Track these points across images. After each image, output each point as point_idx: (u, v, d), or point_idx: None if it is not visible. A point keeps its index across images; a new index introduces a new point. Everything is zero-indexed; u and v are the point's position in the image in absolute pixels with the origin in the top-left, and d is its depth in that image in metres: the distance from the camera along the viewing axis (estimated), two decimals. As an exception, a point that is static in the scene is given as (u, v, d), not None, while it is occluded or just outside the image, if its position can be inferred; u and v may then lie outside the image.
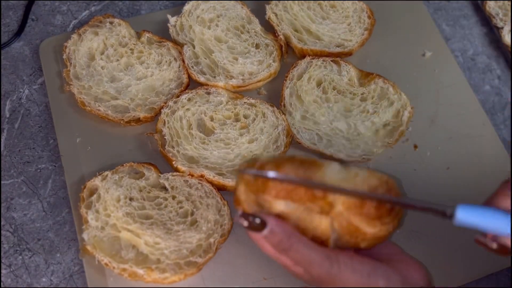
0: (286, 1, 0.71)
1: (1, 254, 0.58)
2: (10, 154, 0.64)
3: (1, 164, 0.63)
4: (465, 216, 0.40)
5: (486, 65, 0.74)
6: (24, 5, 0.75)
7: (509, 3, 0.75)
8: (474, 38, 0.76)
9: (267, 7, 0.71)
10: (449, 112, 0.68)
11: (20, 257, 0.58)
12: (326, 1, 0.72)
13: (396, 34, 0.74)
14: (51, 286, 0.57)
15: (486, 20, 0.77)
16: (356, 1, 0.73)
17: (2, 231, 0.59)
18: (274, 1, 0.71)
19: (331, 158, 0.62)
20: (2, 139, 0.65)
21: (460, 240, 0.57)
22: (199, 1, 0.71)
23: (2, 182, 0.62)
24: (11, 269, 0.57)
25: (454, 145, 0.66)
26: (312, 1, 0.72)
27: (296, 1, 0.71)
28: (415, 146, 0.66)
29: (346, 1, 0.72)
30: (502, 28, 0.74)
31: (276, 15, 0.71)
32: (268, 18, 0.70)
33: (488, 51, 0.76)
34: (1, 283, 0.56)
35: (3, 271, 0.57)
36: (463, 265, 0.59)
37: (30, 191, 0.62)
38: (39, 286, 0.57)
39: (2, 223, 0.60)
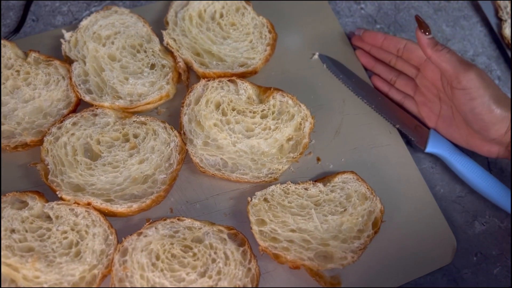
0: (184, 25, 0.69)
1: None
2: None
3: None
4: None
5: (486, 65, 0.74)
6: (24, 6, 0.74)
7: None
8: (474, 39, 0.76)
9: (164, 33, 0.68)
10: (353, 122, 0.68)
11: None
12: (225, 19, 0.70)
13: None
14: None
15: (486, 21, 0.76)
16: (256, 16, 0.72)
17: None
18: (171, 26, 0.69)
19: (237, 181, 0.61)
20: None
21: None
22: (98, 17, 0.68)
23: None
24: None
25: (359, 155, 0.66)
26: (211, 22, 0.70)
27: (195, 24, 0.69)
28: (318, 159, 0.65)
29: (246, 17, 0.71)
30: (506, 20, 0.74)
31: (174, 40, 0.68)
32: (167, 44, 0.67)
33: (488, 51, 0.75)
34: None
35: None
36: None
37: None
38: None
39: None
